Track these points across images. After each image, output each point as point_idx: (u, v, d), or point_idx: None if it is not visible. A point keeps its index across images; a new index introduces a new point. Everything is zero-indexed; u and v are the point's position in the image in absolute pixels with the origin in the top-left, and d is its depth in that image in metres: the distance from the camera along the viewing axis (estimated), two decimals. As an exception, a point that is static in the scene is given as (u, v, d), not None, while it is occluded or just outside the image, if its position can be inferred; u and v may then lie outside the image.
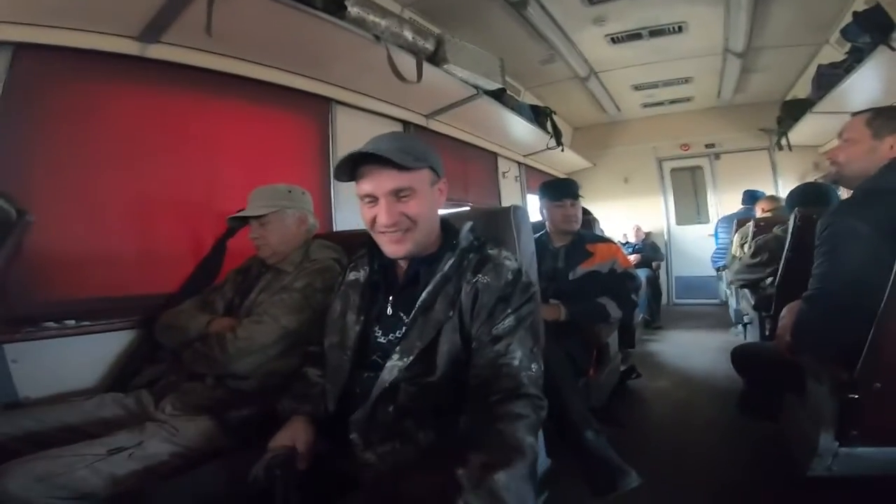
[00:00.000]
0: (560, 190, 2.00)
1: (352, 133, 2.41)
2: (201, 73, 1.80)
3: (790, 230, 1.79)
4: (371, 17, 1.89)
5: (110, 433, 1.02)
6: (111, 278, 1.56)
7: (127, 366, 1.41)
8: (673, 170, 5.66)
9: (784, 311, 1.32)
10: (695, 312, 5.02)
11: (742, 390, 1.73)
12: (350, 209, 2.36)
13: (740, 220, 3.79)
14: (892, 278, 0.92)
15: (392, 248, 0.87)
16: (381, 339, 0.90)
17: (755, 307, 2.28)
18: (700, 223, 5.45)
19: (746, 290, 2.81)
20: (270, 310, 1.22)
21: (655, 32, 3.41)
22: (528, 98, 4.25)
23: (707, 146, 5.40)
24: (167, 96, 1.74)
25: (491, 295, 0.83)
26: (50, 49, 1.44)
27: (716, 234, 4.54)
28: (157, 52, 1.64)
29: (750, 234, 2.87)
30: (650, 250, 5.01)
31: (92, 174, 1.53)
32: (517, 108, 3.43)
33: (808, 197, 2.04)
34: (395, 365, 0.83)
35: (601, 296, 1.83)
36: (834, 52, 3.27)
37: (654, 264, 4.88)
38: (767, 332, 2.06)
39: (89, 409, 1.14)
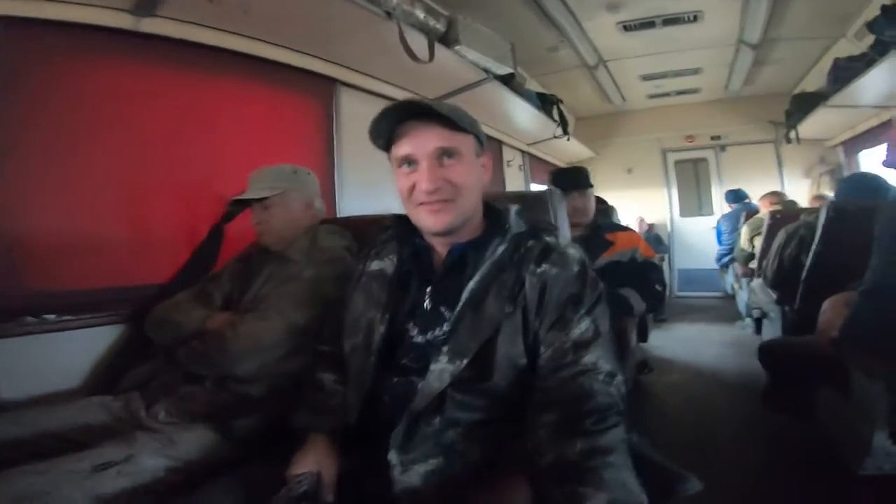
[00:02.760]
0: (566, 182, 1.91)
1: (356, 116, 2.27)
2: (199, 50, 1.66)
3: (821, 222, 1.71)
4: (382, -7, 1.76)
5: (96, 442, 0.89)
6: (97, 268, 1.41)
7: (114, 365, 1.28)
8: (677, 161, 5.59)
9: (826, 306, 1.24)
10: (697, 305, 4.98)
11: (767, 385, 1.70)
12: (355, 196, 2.24)
13: (749, 213, 3.76)
14: None
15: (432, 219, 0.75)
16: (418, 339, 0.76)
17: (778, 301, 2.21)
18: (703, 215, 5.40)
19: (759, 282, 2.75)
20: (277, 303, 1.08)
21: (669, 21, 3.29)
22: (533, 86, 4.13)
23: (713, 138, 5.33)
24: (162, 73, 1.61)
25: (561, 289, 0.72)
26: (36, 23, 1.30)
27: (718, 233, 4.47)
28: (151, 26, 1.51)
29: (765, 228, 2.80)
30: (653, 242, 4.95)
31: (79, 155, 1.38)
32: (525, 94, 3.30)
33: (863, 188, 1.93)
34: (444, 369, 0.69)
35: (622, 287, 1.73)
36: (850, 45, 3.20)
37: (657, 256, 4.82)
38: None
39: (72, 414, 1.01)
